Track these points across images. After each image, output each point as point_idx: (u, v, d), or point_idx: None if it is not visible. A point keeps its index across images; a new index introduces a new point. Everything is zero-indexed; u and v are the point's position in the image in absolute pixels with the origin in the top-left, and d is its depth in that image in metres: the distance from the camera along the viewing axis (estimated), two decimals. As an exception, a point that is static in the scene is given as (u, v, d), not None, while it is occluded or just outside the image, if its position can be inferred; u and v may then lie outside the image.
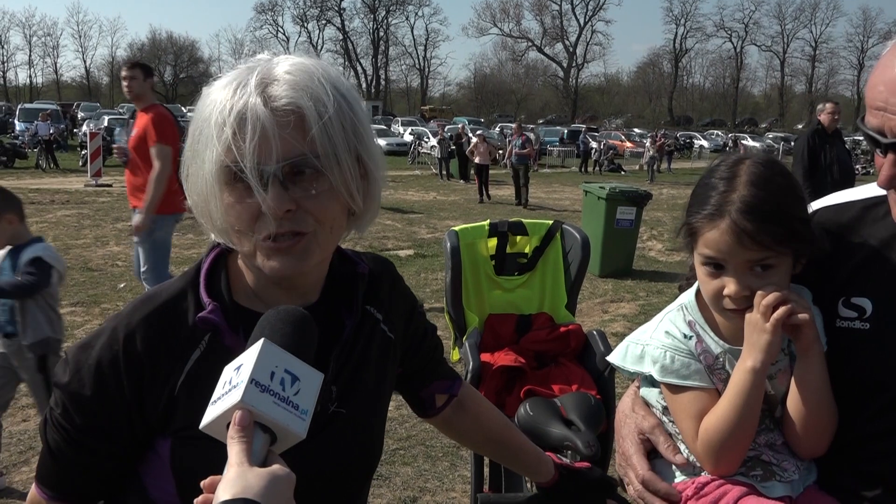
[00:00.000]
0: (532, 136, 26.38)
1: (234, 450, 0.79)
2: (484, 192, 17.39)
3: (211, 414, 0.84)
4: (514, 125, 18.88)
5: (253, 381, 0.81)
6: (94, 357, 1.00)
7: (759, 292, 1.15)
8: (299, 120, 0.94)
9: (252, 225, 0.97)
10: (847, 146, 8.03)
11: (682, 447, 1.27)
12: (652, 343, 1.25)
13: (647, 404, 1.35)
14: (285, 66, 0.98)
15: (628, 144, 38.86)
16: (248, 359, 0.84)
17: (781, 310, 1.13)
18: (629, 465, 1.31)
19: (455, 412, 1.38)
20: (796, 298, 1.15)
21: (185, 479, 1.00)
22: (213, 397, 0.85)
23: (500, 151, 25.75)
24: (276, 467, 0.80)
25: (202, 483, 0.81)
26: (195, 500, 0.80)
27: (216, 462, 0.82)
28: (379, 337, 1.17)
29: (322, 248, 1.02)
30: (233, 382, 0.83)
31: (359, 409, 1.12)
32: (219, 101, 0.97)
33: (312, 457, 1.01)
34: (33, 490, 1.10)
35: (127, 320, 1.02)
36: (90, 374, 0.99)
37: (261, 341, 0.85)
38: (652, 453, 1.32)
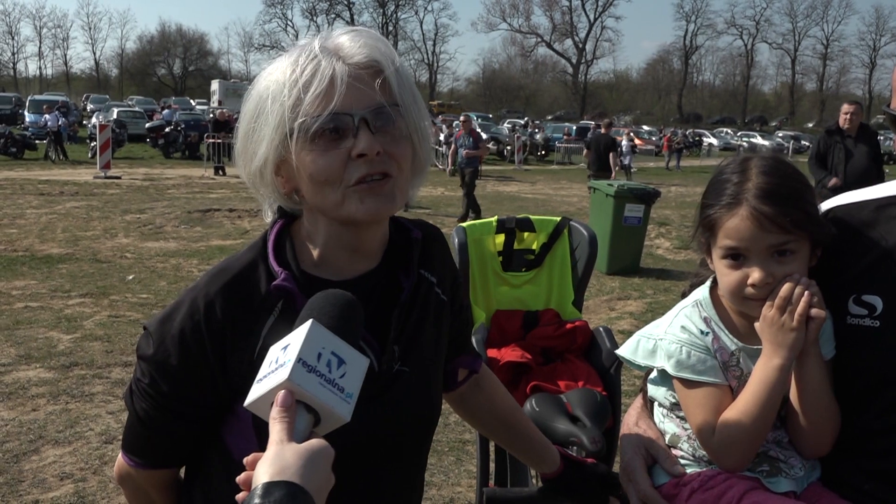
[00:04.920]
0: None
1: (276, 428, 0.81)
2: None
3: (256, 392, 0.85)
4: (461, 118, 14.62)
5: (300, 360, 0.82)
6: (176, 327, 1.05)
7: (780, 293, 1.16)
8: (376, 73, 1.04)
9: (341, 173, 1.02)
10: (881, 147, 7.96)
11: (687, 446, 1.28)
12: (666, 338, 1.26)
13: (653, 403, 1.36)
14: (349, 34, 1.07)
15: (637, 141, 38.72)
16: (295, 339, 0.85)
17: (803, 302, 1.14)
18: (631, 480, 1.33)
19: (471, 389, 1.42)
20: (815, 288, 1.17)
21: (268, 434, 1.04)
22: (259, 376, 0.87)
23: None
24: (313, 442, 0.82)
25: (245, 460, 0.84)
26: (238, 478, 0.82)
27: None
28: (434, 299, 1.22)
29: (401, 194, 1.08)
30: (279, 362, 0.84)
31: (421, 367, 1.17)
32: (289, 70, 1.03)
33: (383, 413, 1.06)
34: (120, 459, 1.17)
35: (205, 290, 1.07)
36: (175, 343, 1.05)
37: (309, 322, 0.86)
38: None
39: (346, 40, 1.05)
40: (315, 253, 1.12)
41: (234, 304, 1.06)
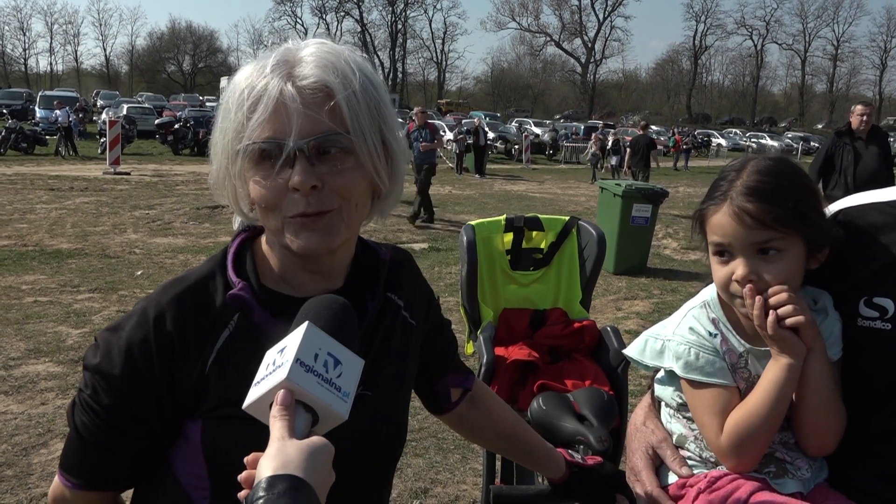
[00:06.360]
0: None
1: (277, 426, 0.81)
2: None
3: (254, 394, 0.86)
4: (415, 109, 13.34)
5: (298, 360, 0.83)
6: (124, 338, 1.00)
7: (746, 309, 1.16)
8: (327, 98, 0.97)
9: (279, 203, 0.98)
10: (892, 148, 7.89)
11: (694, 447, 1.28)
12: (675, 339, 1.25)
13: (659, 403, 1.36)
14: (311, 49, 1.01)
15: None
16: (292, 341, 0.86)
17: (770, 322, 1.14)
18: (638, 479, 1.33)
19: (469, 408, 1.39)
20: (782, 296, 1.15)
21: (217, 460, 1.01)
22: (256, 379, 0.87)
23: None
24: (314, 438, 0.82)
25: (245, 459, 0.83)
26: (239, 476, 0.82)
27: (249, 441, 0.84)
28: (401, 323, 1.19)
29: (347, 226, 1.02)
30: (277, 363, 0.85)
31: (383, 392, 1.13)
32: (244, 84, 0.99)
33: (340, 437, 1.03)
34: (56, 480, 1.09)
35: (157, 300, 1.03)
36: (120, 354, 1.00)
37: (305, 324, 0.87)
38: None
39: (305, 56, 0.99)
40: (276, 269, 1.08)
41: (186, 316, 1.01)
